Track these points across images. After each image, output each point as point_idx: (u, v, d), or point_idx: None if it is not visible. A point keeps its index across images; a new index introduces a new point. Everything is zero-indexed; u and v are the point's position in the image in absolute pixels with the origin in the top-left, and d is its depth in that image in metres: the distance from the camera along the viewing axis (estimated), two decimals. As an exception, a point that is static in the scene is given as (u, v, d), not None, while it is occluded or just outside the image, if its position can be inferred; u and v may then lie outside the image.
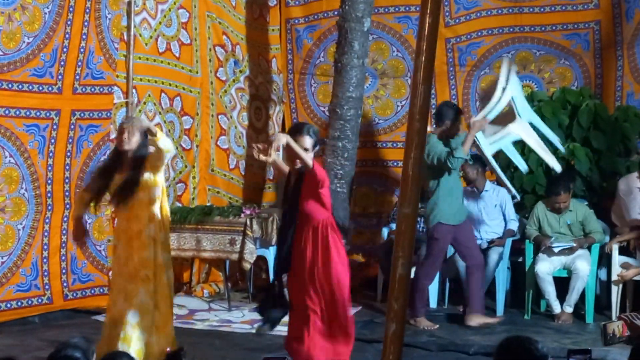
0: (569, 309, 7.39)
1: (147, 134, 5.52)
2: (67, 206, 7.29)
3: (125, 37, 7.80)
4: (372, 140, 9.42)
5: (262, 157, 5.18)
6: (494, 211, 8.01)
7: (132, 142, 5.45)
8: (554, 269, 7.51)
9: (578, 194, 8.15)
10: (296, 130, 5.42)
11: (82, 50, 7.25)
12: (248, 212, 7.86)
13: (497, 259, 7.71)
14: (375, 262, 8.53)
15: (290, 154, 5.29)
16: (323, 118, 9.36)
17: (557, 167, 7.30)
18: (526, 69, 9.02)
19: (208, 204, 8.49)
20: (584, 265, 7.38)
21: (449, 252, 8.26)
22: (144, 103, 8.06)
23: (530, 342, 3.13)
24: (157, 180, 5.58)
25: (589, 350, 3.80)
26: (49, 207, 7.13)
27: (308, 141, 5.33)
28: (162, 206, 5.65)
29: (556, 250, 7.48)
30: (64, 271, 7.27)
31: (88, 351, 3.38)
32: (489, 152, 7.23)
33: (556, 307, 7.43)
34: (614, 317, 7.25)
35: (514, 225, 7.94)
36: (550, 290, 7.43)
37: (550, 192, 7.68)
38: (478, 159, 8.21)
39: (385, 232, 8.52)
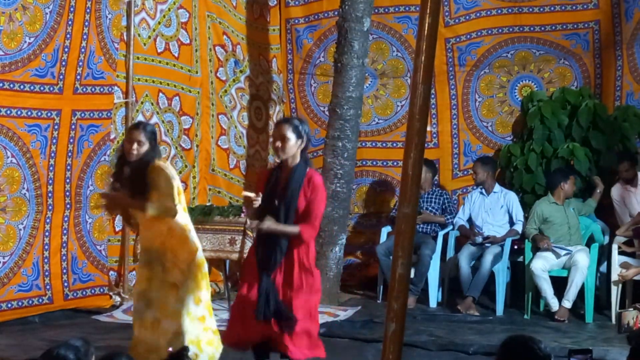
0: (567, 304, 7.36)
1: (156, 139, 5.33)
2: (68, 206, 7.30)
3: (125, 37, 7.82)
4: (372, 140, 9.43)
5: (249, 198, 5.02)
6: (500, 212, 8.11)
7: (142, 152, 5.25)
8: (550, 267, 7.53)
9: (577, 193, 8.17)
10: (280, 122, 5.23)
11: (82, 50, 7.26)
12: (248, 211, 7.87)
13: (491, 259, 7.74)
14: (375, 262, 8.55)
15: (276, 140, 5.04)
16: (323, 118, 9.36)
17: None
18: (526, 69, 9.03)
19: (208, 204, 8.49)
20: (583, 257, 7.40)
21: (449, 253, 8.30)
22: (142, 103, 8.07)
23: (533, 341, 3.11)
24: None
25: (590, 350, 3.80)
26: (50, 207, 7.14)
27: (291, 135, 5.03)
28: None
29: (560, 252, 7.55)
30: (64, 271, 7.28)
31: (87, 352, 3.36)
32: None
33: (554, 305, 7.43)
34: (613, 317, 7.27)
35: (519, 227, 8.00)
36: (546, 288, 7.44)
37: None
38: (490, 161, 8.30)
39: (384, 232, 8.54)
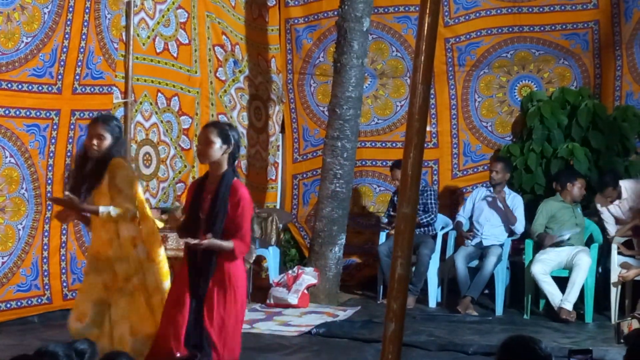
0: (567, 305, 7.33)
1: (120, 137, 5.11)
2: (67, 206, 7.29)
3: (124, 38, 7.81)
4: (371, 140, 9.43)
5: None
6: (504, 214, 8.07)
7: (103, 146, 5.03)
8: (550, 269, 7.51)
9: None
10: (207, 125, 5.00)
11: (81, 50, 7.25)
12: (247, 212, 7.86)
13: (495, 261, 7.74)
14: (375, 261, 8.54)
15: (199, 143, 4.83)
16: (322, 118, 9.36)
17: None
18: (525, 69, 9.03)
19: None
20: (584, 257, 7.39)
21: (448, 252, 8.30)
22: (140, 103, 8.07)
23: (533, 341, 3.09)
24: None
25: (590, 350, 3.78)
26: (49, 207, 7.13)
27: (216, 139, 4.77)
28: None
29: (565, 236, 7.52)
30: (63, 271, 7.27)
31: (94, 353, 3.35)
32: None
33: (567, 306, 7.35)
34: (613, 318, 7.27)
35: (519, 225, 7.99)
36: (551, 291, 7.39)
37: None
38: (510, 163, 8.27)
39: (384, 232, 8.53)
